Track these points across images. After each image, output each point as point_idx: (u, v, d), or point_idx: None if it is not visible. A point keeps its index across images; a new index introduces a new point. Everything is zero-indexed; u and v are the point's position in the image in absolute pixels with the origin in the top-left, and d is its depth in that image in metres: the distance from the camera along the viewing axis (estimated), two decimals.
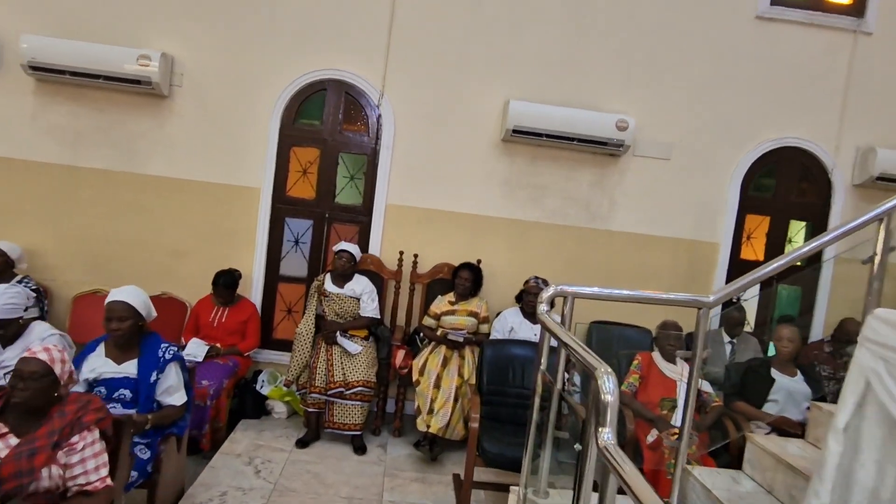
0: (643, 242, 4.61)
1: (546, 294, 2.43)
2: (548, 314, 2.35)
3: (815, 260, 4.43)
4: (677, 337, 3.49)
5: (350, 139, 4.54)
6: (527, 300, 4.06)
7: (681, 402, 3.30)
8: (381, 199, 4.50)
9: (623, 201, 4.59)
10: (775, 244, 4.71)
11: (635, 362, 3.51)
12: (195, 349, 3.95)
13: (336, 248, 4.14)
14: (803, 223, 4.76)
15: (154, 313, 2.80)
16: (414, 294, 4.49)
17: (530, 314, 4.09)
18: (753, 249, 4.72)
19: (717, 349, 4.33)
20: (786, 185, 4.69)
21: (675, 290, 4.70)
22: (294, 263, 4.60)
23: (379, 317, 4.17)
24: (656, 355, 3.52)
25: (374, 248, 4.52)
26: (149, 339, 2.77)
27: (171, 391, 2.78)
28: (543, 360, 2.52)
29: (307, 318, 4.03)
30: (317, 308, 4.08)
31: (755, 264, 4.65)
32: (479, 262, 4.44)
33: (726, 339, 4.30)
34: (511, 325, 4.08)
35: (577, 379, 2.78)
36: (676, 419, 3.28)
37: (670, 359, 3.47)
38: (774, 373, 3.40)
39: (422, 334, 4.24)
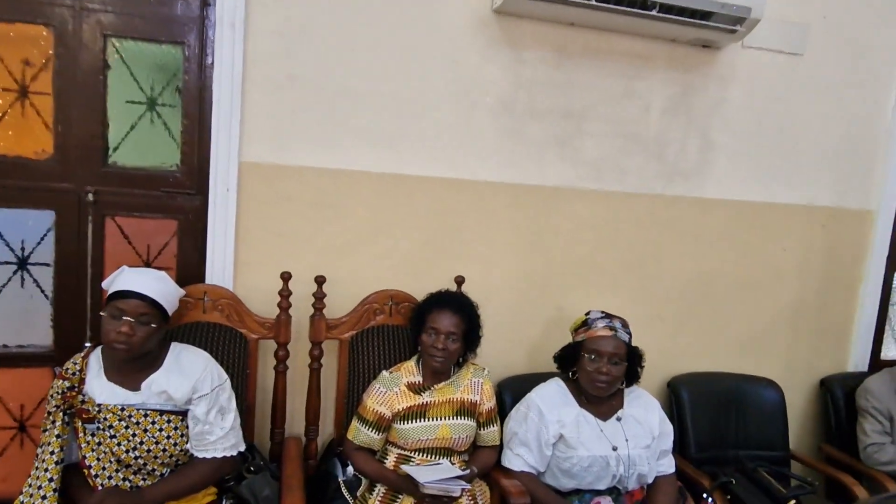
0: (753, 216, 2.43)
1: None
2: None
3: None
4: None
5: (137, 7, 1.86)
6: (589, 369, 1.78)
7: None
8: (226, 152, 1.89)
9: (725, 141, 2.35)
10: None
11: None
12: None
13: (109, 285, 1.56)
14: None
15: None
16: (322, 369, 1.97)
17: (600, 399, 1.83)
18: None
19: None
20: None
21: (807, 299, 2.63)
22: (18, 318, 1.90)
23: (242, 448, 1.67)
24: None
25: (220, 271, 1.92)
26: None
27: None
28: None
29: (35, 483, 1.45)
30: (69, 452, 1.52)
31: None
32: (459, 283, 2.04)
33: None
34: (558, 426, 1.80)
35: None
36: None
37: None
38: None
39: (352, 471, 1.80)
